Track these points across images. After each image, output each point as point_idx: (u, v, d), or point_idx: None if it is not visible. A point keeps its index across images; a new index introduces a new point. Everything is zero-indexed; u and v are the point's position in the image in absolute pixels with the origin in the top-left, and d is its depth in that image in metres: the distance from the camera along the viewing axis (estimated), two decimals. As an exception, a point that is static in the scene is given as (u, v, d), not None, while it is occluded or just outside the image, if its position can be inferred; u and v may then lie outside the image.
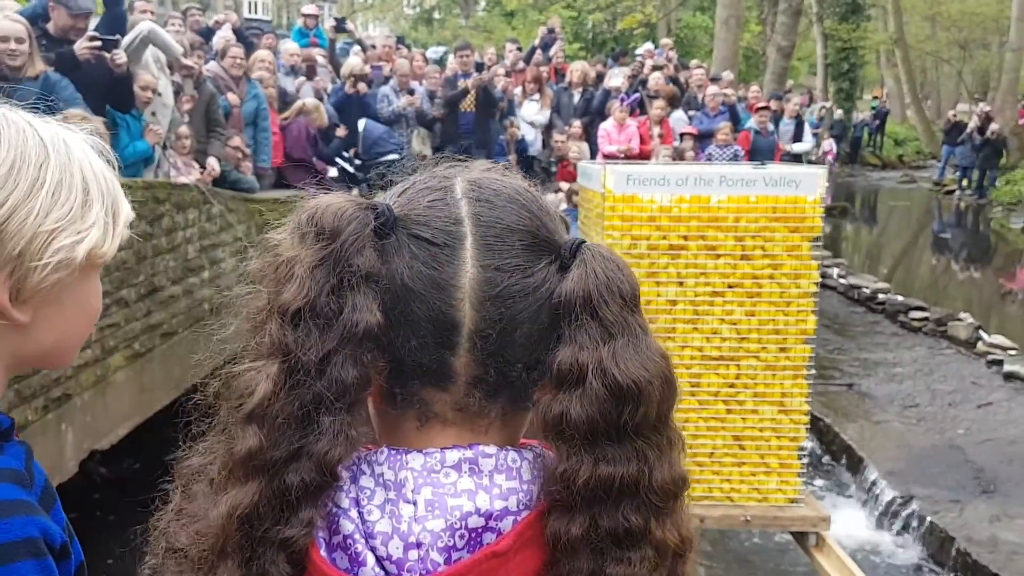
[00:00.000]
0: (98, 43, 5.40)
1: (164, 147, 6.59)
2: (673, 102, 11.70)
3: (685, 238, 3.11)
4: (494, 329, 0.78)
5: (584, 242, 0.83)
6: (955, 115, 24.33)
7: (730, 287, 3.14)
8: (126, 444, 6.08)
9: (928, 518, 5.71)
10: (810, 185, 3.08)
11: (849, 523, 6.25)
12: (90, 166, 0.91)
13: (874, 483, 6.35)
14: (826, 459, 7.25)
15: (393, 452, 0.80)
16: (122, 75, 5.61)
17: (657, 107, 11.06)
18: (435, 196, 0.83)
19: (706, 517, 3.15)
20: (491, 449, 0.80)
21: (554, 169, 10.55)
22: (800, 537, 3.24)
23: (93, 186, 0.90)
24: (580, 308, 0.78)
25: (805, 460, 3.23)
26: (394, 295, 0.78)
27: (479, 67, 10.28)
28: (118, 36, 5.60)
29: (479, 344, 0.78)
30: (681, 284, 3.12)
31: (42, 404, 4.34)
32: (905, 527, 5.89)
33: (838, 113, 28.81)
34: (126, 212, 0.94)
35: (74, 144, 0.90)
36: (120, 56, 5.54)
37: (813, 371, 3.20)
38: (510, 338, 0.79)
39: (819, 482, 6.92)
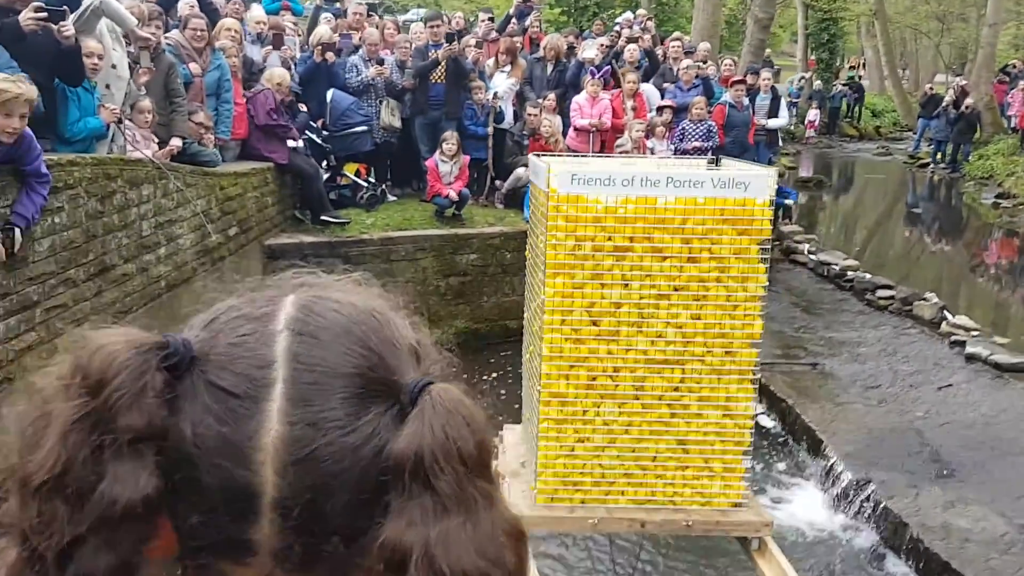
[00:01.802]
0: (44, 14, 5.22)
1: (119, 121, 6.43)
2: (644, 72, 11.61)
3: (631, 240, 3.04)
4: (301, 499, 0.64)
5: (430, 384, 0.69)
6: (931, 88, 24.35)
7: (676, 290, 3.08)
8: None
9: (883, 503, 5.75)
10: (760, 187, 3.02)
11: (807, 506, 6.30)
12: None
13: (832, 466, 6.39)
14: (789, 441, 7.28)
15: None
16: (70, 47, 5.44)
17: (630, 80, 10.94)
18: (248, 328, 0.69)
19: (647, 521, 3.13)
20: None
21: (526, 143, 10.44)
22: (743, 541, 3.23)
23: None
24: (410, 475, 0.65)
25: (749, 464, 3.21)
26: (177, 458, 0.65)
27: (449, 37, 10.10)
28: (65, 7, 5.42)
29: (283, 516, 0.64)
30: (626, 286, 3.06)
31: (-19, 389, 4.25)
32: (861, 511, 5.93)
33: (817, 83, 28.81)
34: None
35: None
36: (67, 28, 5.37)
37: (759, 376, 3.17)
38: (321, 509, 0.65)
39: (780, 465, 6.96)
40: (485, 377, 8.57)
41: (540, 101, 10.50)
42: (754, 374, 3.16)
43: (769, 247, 3.10)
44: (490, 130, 10.20)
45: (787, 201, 13.89)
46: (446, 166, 9.44)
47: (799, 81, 28.61)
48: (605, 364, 3.11)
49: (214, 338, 0.69)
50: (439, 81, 10.11)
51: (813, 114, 27.72)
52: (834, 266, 11.46)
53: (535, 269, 3.30)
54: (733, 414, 3.17)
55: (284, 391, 0.66)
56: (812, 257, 12.13)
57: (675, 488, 3.19)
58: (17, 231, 4.48)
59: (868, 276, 10.75)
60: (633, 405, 3.15)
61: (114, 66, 6.43)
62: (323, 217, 8.98)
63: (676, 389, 3.15)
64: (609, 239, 3.04)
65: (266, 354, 0.67)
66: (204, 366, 0.67)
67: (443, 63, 9.98)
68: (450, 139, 9.44)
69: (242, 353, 0.67)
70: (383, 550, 0.64)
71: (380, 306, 0.75)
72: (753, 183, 3.01)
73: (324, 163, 9.68)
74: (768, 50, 28.41)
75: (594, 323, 3.10)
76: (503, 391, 7.97)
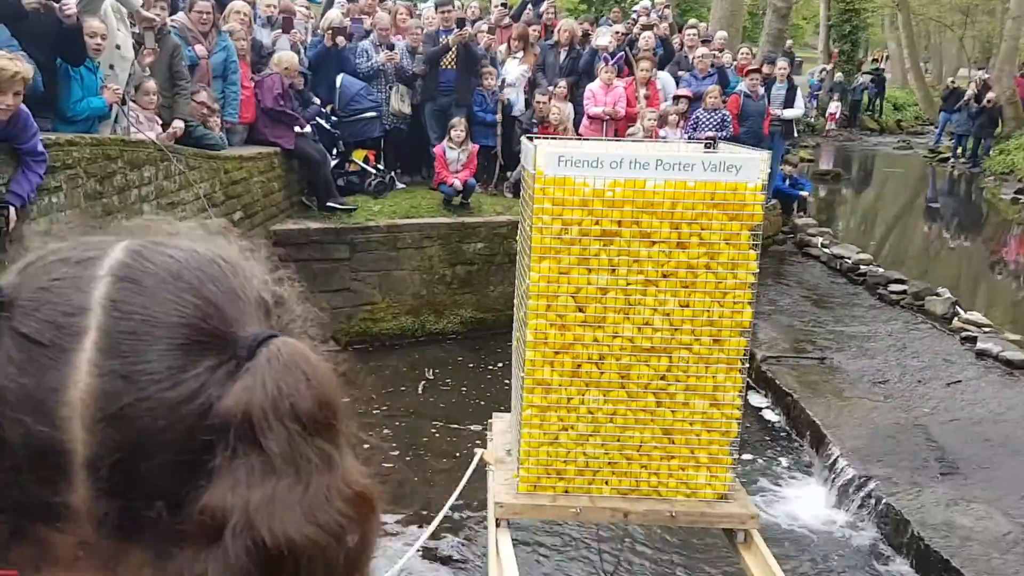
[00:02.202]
0: (45, -8, 5.20)
1: (123, 102, 6.41)
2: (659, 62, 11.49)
3: (619, 224, 2.97)
4: (112, 458, 0.59)
5: (272, 337, 0.63)
6: (954, 81, 24.05)
7: (664, 276, 3.00)
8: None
9: (884, 499, 5.65)
10: (751, 171, 2.94)
11: (809, 501, 6.22)
12: None
13: (835, 461, 6.29)
14: (792, 435, 7.19)
15: None
16: (71, 26, 5.41)
17: (643, 68, 10.82)
18: (63, 272, 0.63)
19: (630, 512, 3.07)
20: None
21: (535, 131, 10.35)
22: (729, 533, 3.16)
23: None
24: (236, 434, 0.59)
25: (736, 456, 3.13)
26: None
27: (460, 23, 10.01)
28: (66, -14, 5.39)
29: (95, 477, 0.59)
30: (613, 272, 2.99)
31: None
32: (862, 508, 5.84)
33: (839, 76, 28.53)
34: None
35: None
36: (69, 7, 5.34)
37: (747, 364, 3.09)
38: (136, 471, 0.59)
39: (783, 460, 6.87)
40: (491, 367, 8.52)
41: (550, 89, 10.42)
42: (743, 363, 3.08)
43: (760, 233, 3.02)
44: (498, 118, 10.11)
45: (801, 193, 13.76)
46: (454, 153, 9.38)
47: (820, 73, 28.35)
48: (591, 351, 3.05)
49: (27, 281, 0.63)
50: (450, 67, 10.04)
51: (834, 107, 27.46)
52: (847, 260, 11.33)
53: (523, 254, 3.24)
54: (720, 404, 3.09)
55: (96, 340, 0.60)
56: (826, 250, 11.99)
57: (660, 478, 3.13)
58: (12, 209, 4.46)
59: (881, 270, 10.61)
60: (618, 393, 3.08)
61: (118, 47, 6.40)
62: (329, 204, 8.94)
63: (663, 378, 3.08)
64: (596, 223, 2.97)
65: (79, 300, 0.61)
66: (10, 312, 0.61)
67: (454, 49, 9.90)
68: (458, 126, 9.38)
69: (51, 298, 0.61)
70: (203, 515, 0.58)
71: (230, 254, 0.69)
72: (745, 167, 2.93)
73: (334, 150, 9.63)
74: (791, 41, 28.09)
75: (580, 309, 3.03)
76: (507, 381, 7.91)
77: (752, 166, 2.95)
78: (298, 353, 0.62)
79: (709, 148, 3.40)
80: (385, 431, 7.07)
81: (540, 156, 2.89)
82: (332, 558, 0.59)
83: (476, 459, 3.49)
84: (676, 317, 3.04)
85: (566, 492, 3.14)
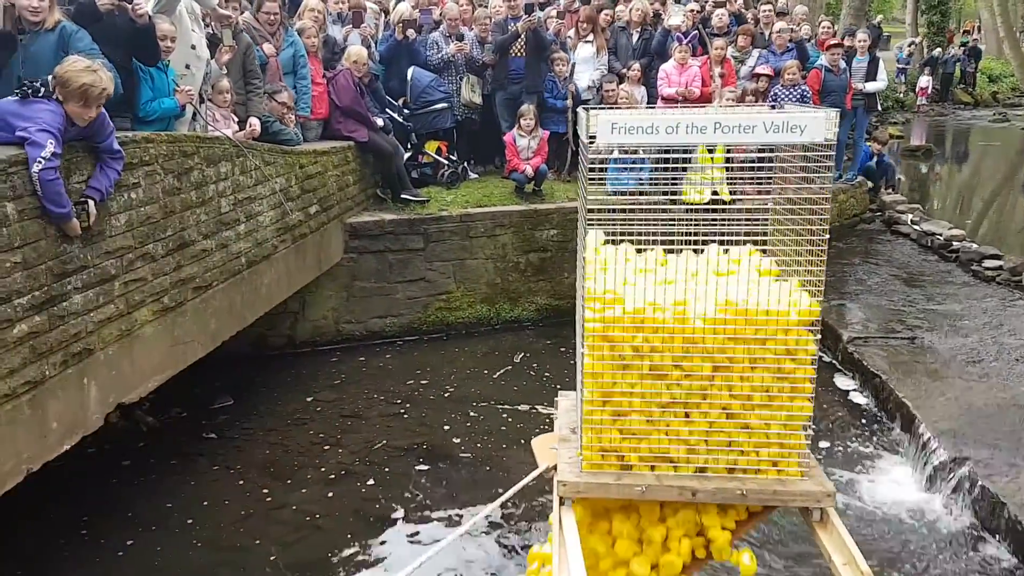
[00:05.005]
0: (118, -7, 5.34)
1: (201, 100, 6.54)
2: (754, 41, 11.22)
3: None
4: None
5: None
6: (1054, 48, 22.84)
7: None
8: (173, 393, 6.20)
9: (980, 482, 5.39)
10: (817, 130, 2.80)
11: (900, 485, 5.98)
12: None
13: (926, 443, 6.02)
14: (882, 417, 6.92)
15: None
16: (144, 26, 5.55)
17: (718, 46, 10.57)
18: None
19: (699, 490, 2.97)
20: None
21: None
22: (804, 512, 3.03)
23: None
24: None
25: (810, 431, 3.00)
26: None
27: (528, 8, 9.94)
28: (138, -14, 5.53)
29: None
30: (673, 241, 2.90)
31: (60, 359, 4.38)
32: (956, 491, 5.58)
33: (937, 51, 27.45)
34: None
35: None
36: (140, 7, 5.47)
37: (819, 335, 2.95)
38: None
39: (872, 443, 6.62)
40: (567, 353, 8.45)
41: (622, 71, 10.27)
42: (814, 334, 2.94)
43: (830, 196, 2.88)
44: (569, 103, 10.01)
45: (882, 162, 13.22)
46: (524, 141, 9.33)
47: (908, 47, 27.34)
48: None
49: None
50: (519, 55, 9.99)
51: (924, 81, 26.44)
52: (939, 236, 10.87)
53: (580, 226, 3.17)
54: (791, 376, 2.96)
55: None
56: (915, 227, 11.53)
57: (729, 455, 3.01)
58: (91, 203, 4.56)
59: (974, 246, 10.14)
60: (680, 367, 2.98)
61: (193, 47, 6.54)
62: (403, 195, 9.00)
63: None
64: (653, 191, 2.87)
65: None
66: None
67: (523, 36, 9.85)
68: (527, 114, 9.32)
69: None
70: None
71: None
72: (810, 126, 2.79)
73: (407, 142, 9.68)
74: (880, 16, 27.13)
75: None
76: (583, 366, 7.84)
77: (818, 124, 2.81)
78: None
79: (778, 110, 3.26)
80: (471, 414, 7.11)
81: (592, 124, 2.81)
82: None
83: (535, 473, 3.36)
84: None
85: (631, 470, 3.06)
